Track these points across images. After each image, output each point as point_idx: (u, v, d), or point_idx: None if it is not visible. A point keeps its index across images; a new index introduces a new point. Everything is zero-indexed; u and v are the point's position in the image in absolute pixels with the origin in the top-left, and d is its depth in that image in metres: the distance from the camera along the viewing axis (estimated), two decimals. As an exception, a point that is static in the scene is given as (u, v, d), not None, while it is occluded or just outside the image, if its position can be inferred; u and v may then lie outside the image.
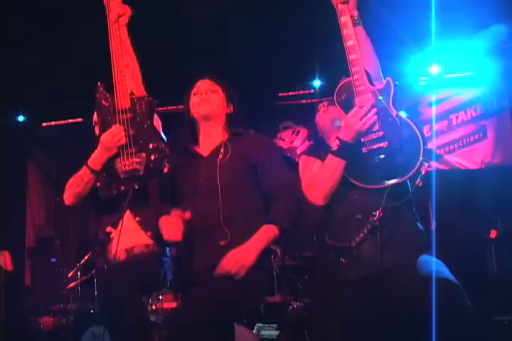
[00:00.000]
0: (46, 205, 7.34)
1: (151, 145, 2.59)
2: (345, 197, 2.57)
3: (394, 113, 2.42)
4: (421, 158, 2.33)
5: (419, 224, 2.57)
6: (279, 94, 6.74)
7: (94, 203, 2.94)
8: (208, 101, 2.70)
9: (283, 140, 6.84)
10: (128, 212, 2.81)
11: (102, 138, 2.64)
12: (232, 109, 2.77)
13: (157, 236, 2.71)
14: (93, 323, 4.77)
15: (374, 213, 2.47)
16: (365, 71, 2.46)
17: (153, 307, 4.79)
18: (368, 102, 2.43)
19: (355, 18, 2.51)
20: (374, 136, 2.44)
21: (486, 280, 5.17)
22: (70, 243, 6.95)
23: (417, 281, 2.34)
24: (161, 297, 4.85)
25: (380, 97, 2.44)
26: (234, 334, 2.67)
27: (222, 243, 2.51)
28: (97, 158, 2.67)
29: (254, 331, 4.81)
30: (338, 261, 2.57)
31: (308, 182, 2.63)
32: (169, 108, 5.58)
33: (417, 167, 2.33)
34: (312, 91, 6.54)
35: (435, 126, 6.20)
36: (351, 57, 2.46)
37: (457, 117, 6.24)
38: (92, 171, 2.69)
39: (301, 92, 6.67)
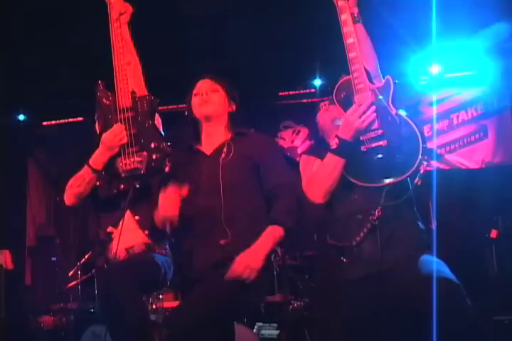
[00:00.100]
0: (46, 204, 7.33)
1: (152, 145, 2.58)
2: (345, 198, 2.56)
3: (393, 111, 2.41)
4: (420, 157, 2.31)
5: (420, 223, 2.56)
6: (280, 93, 6.74)
7: (94, 202, 2.93)
8: (208, 101, 2.69)
9: (284, 139, 6.82)
10: (128, 210, 2.81)
11: (103, 138, 2.63)
12: (234, 107, 2.76)
13: (154, 232, 2.71)
14: (93, 322, 4.78)
15: (373, 212, 2.46)
16: (365, 69, 2.45)
17: (154, 307, 4.79)
18: (367, 100, 2.42)
19: (355, 15, 2.50)
20: (373, 135, 2.42)
21: (486, 280, 5.17)
22: (70, 242, 6.95)
23: (418, 280, 2.33)
24: (161, 296, 4.85)
25: (380, 96, 2.43)
26: (234, 334, 2.67)
27: (222, 242, 2.51)
28: (98, 158, 2.67)
29: (255, 330, 4.80)
30: (338, 260, 2.56)
31: (308, 181, 2.63)
32: (170, 107, 5.58)
33: (416, 165, 2.32)
34: (313, 90, 6.54)
35: (436, 126, 6.20)
36: (351, 55, 2.44)
37: (458, 117, 6.24)
38: (94, 170, 2.68)
39: (301, 91, 6.66)
